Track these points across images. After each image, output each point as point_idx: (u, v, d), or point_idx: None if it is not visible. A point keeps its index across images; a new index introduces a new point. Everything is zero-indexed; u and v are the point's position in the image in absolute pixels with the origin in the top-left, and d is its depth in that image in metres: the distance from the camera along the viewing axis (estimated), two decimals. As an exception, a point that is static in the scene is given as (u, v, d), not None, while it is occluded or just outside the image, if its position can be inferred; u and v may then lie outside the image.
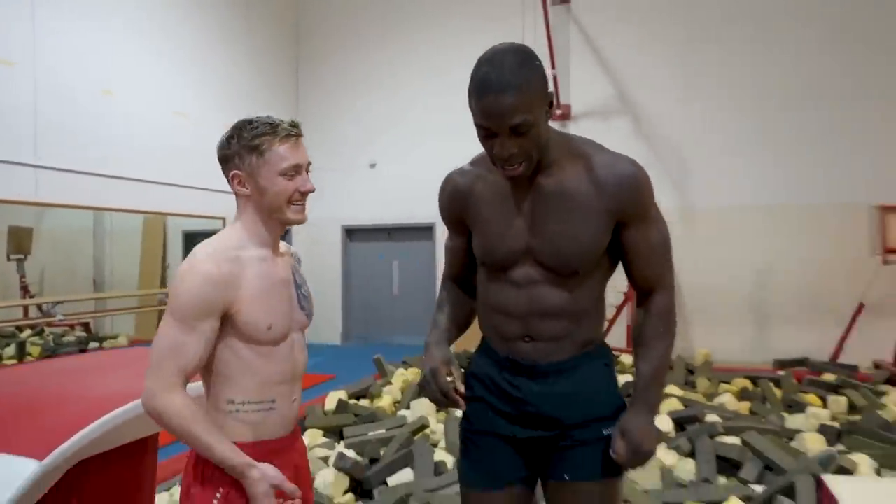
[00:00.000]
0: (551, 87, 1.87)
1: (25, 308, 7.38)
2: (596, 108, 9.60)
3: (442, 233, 10.52)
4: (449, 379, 1.78)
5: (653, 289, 1.77)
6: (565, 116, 9.59)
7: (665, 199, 9.09)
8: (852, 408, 5.83)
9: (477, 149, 1.76)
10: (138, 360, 2.81)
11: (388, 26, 10.97)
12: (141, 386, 1.62)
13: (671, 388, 6.33)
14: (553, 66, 9.02)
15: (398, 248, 10.88)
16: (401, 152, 10.68)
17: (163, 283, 9.03)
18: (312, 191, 1.70)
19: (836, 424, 5.14)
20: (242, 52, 10.21)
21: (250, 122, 1.68)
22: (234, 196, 1.74)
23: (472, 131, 1.60)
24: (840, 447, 4.66)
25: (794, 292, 8.68)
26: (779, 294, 8.78)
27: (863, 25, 8.47)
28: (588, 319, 1.77)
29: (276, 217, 1.69)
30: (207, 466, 1.61)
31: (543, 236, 1.70)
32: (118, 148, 7.71)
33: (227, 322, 1.61)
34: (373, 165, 10.85)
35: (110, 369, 2.59)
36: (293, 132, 1.67)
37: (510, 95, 1.47)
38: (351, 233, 11.38)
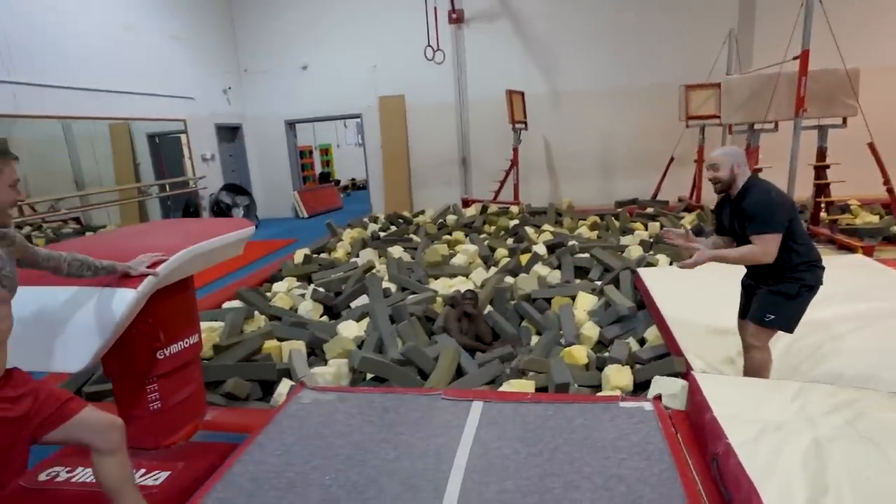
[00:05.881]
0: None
1: (20, 208, 6.95)
2: (483, 13, 9.29)
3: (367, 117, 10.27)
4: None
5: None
6: (459, 20, 9.32)
7: (539, 87, 9.37)
8: (662, 228, 6.71)
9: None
10: (160, 227, 3.00)
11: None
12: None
13: (546, 226, 7.03)
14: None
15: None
16: (327, 55, 10.06)
17: (137, 178, 8.63)
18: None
19: (650, 240, 6.03)
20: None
21: None
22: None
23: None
24: (651, 252, 5.51)
25: (627, 152, 9.32)
26: (617, 154, 9.39)
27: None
28: None
29: None
30: None
31: None
32: (77, 62, 6.96)
33: None
34: (304, 67, 10.24)
35: (142, 235, 2.71)
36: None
37: None
38: (292, 125, 10.96)
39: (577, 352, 3.29)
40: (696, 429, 2.07)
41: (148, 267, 2.13)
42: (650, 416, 2.16)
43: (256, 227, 9.52)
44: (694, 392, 2.17)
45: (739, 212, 2.36)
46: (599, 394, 2.78)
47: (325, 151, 16.78)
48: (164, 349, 2.45)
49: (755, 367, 2.45)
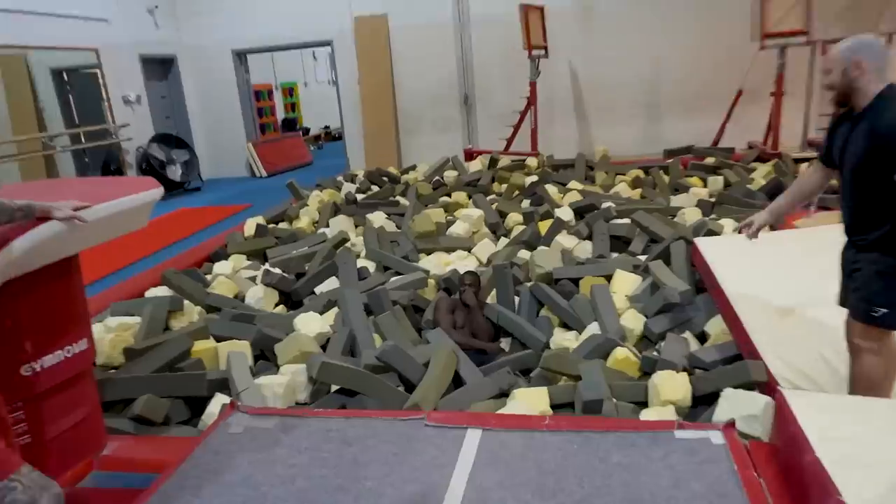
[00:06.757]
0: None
1: None
2: None
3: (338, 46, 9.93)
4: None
5: None
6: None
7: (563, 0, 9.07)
8: (728, 185, 6.50)
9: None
10: (34, 189, 2.75)
11: None
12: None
13: (573, 183, 6.82)
14: None
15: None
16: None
17: (41, 127, 8.38)
18: None
19: (711, 199, 5.79)
20: None
21: None
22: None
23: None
24: (713, 216, 5.28)
25: (680, 85, 9.08)
26: (667, 88, 9.18)
27: None
28: None
29: None
30: None
31: None
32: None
33: None
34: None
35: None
36: None
37: None
38: (242, 57, 10.63)
39: (627, 356, 3.10)
40: (790, 473, 1.82)
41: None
42: (720, 453, 1.93)
43: (199, 189, 9.58)
44: (785, 420, 1.91)
45: (864, 135, 2.03)
46: (645, 415, 2.55)
47: (290, 92, 16.58)
48: (33, 363, 2.25)
49: (867, 378, 2.22)
